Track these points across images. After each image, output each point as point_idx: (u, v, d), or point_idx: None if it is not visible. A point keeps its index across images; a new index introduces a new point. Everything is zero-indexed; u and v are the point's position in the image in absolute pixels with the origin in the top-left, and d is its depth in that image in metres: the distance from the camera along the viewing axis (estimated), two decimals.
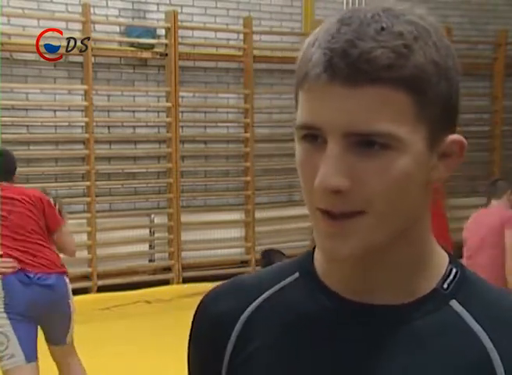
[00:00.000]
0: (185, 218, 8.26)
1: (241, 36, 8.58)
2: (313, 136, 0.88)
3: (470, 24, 9.87)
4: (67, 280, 4.24)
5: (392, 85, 0.84)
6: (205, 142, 8.63)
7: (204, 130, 8.62)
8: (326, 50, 0.85)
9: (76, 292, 7.48)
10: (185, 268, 8.10)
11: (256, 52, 8.39)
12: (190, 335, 1.07)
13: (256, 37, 8.49)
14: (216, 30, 8.46)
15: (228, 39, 8.61)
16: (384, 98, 0.84)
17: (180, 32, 8.11)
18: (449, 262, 0.98)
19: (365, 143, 0.85)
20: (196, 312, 1.07)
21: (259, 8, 8.69)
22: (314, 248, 1.02)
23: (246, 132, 8.63)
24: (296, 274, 1.01)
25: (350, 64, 0.84)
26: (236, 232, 8.56)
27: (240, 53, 8.55)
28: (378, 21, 0.85)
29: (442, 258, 0.98)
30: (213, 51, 8.52)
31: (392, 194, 0.86)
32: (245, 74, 8.55)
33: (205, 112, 8.57)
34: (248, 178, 8.60)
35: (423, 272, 0.95)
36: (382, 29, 0.85)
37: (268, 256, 5.18)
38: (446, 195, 9.56)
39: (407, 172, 0.86)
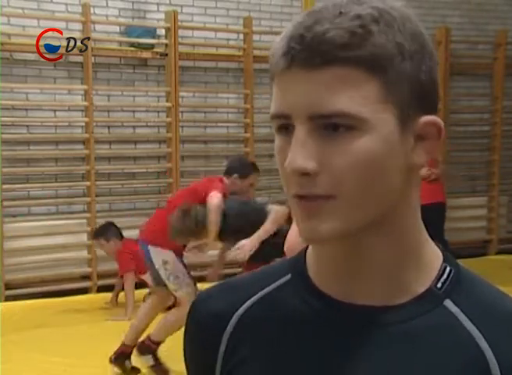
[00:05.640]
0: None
1: (241, 36, 8.59)
2: (286, 127, 0.89)
3: (470, 24, 9.86)
4: None
5: (350, 65, 0.84)
6: (205, 142, 8.63)
7: (204, 130, 8.63)
8: (287, 38, 0.87)
9: (76, 292, 7.52)
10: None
11: (256, 52, 8.39)
12: (184, 340, 1.07)
13: (256, 37, 8.49)
14: (216, 30, 8.46)
15: (228, 39, 8.61)
16: (344, 78, 0.85)
17: (180, 32, 8.11)
18: (444, 261, 0.97)
19: (330, 126, 0.86)
20: (188, 314, 1.06)
21: (259, 9, 8.69)
22: (306, 249, 1.02)
23: (246, 132, 8.63)
24: (289, 275, 1.01)
25: (306, 47, 0.85)
26: None
27: (240, 53, 8.56)
28: (339, 7, 0.87)
29: (435, 256, 0.97)
30: (213, 51, 8.52)
31: (361, 175, 0.86)
32: (245, 74, 8.55)
33: (205, 112, 8.57)
34: None
35: (414, 270, 0.94)
36: (340, 13, 0.86)
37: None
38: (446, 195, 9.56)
39: (374, 152, 0.86)
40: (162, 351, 5.17)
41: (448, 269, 0.96)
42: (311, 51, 0.85)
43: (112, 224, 7.19)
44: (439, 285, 0.94)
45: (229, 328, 1.00)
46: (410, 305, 0.93)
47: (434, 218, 7.19)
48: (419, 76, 0.88)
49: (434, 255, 0.97)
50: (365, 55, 0.84)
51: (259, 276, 1.05)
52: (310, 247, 1.01)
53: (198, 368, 1.05)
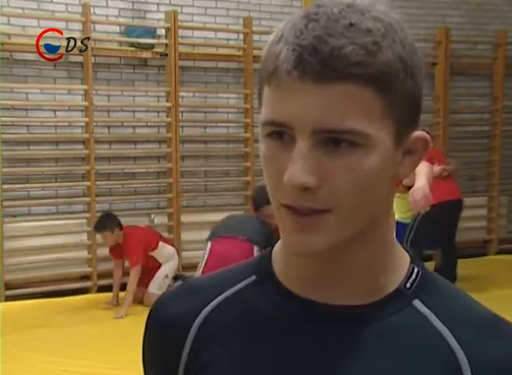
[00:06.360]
0: (185, 218, 8.26)
1: (241, 36, 8.59)
2: (279, 133, 0.87)
3: (470, 24, 9.85)
4: None
5: (361, 82, 0.84)
6: (205, 142, 8.63)
7: (204, 130, 8.62)
8: (295, 46, 0.84)
9: (76, 292, 7.52)
10: (185, 268, 8.09)
11: (256, 52, 8.38)
12: (143, 343, 1.04)
13: (256, 37, 8.49)
14: (216, 30, 8.46)
15: (228, 39, 8.61)
16: (354, 95, 0.84)
17: (180, 32, 8.11)
18: (411, 262, 0.97)
19: (333, 141, 0.85)
20: (149, 316, 1.03)
21: (259, 9, 8.69)
22: (271, 250, 1.01)
23: (246, 132, 8.63)
24: (253, 277, 0.99)
25: (321, 61, 0.83)
26: None
27: (240, 53, 8.56)
28: (345, 17, 0.85)
29: (403, 258, 0.98)
30: (213, 51, 8.51)
31: (360, 191, 0.86)
32: (245, 74, 8.55)
33: (205, 112, 8.57)
34: (248, 178, 8.60)
35: (385, 271, 0.94)
36: (351, 25, 0.84)
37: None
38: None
39: (375, 169, 0.86)
40: None
41: (416, 269, 0.97)
42: (326, 66, 0.83)
43: (111, 215, 7.21)
44: (408, 285, 0.95)
45: (193, 331, 0.97)
46: (380, 304, 0.93)
47: (451, 215, 7.11)
48: (416, 91, 0.89)
49: (403, 256, 0.98)
50: (376, 72, 0.84)
51: (222, 278, 1.03)
52: (276, 247, 1.00)
53: (159, 373, 1.02)
